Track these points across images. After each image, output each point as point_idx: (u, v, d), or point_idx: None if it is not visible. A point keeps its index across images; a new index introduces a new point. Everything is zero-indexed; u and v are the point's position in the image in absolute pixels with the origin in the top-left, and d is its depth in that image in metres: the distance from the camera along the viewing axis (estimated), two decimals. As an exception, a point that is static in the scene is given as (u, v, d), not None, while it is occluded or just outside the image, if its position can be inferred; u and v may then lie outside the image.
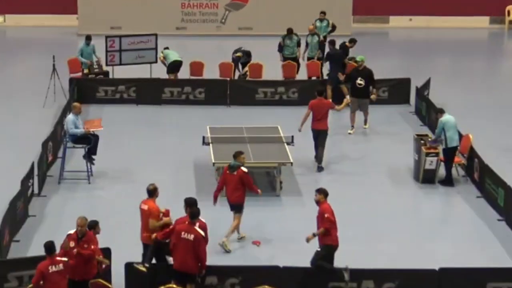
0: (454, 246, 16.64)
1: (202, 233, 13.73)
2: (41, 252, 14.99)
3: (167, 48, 26.83)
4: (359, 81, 22.48)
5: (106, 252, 14.12)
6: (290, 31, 27.13)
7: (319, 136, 20.32)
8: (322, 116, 20.31)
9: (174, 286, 13.41)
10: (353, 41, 26.89)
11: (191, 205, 14.22)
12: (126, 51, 27.47)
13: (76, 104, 19.99)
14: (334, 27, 28.82)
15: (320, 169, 20.07)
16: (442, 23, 37.34)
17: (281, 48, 27.18)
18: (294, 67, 26.86)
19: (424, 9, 37.53)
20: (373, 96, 22.63)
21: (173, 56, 26.41)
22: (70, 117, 19.53)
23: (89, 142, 19.45)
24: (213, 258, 15.11)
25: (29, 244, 16.22)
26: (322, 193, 14.81)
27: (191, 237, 13.66)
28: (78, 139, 19.48)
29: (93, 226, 13.61)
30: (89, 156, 19.49)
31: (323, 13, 29.10)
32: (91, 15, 34.68)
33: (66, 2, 35.97)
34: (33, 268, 14.12)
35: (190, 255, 13.64)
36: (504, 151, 20.87)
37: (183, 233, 13.73)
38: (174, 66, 26.30)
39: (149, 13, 34.57)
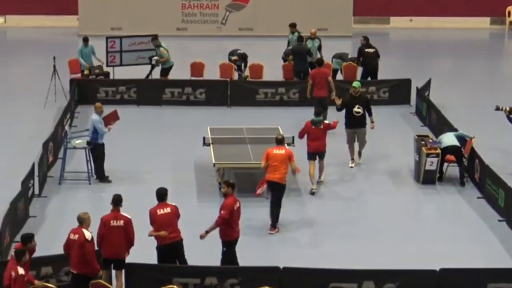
0: (455, 246, 16.65)
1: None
2: (42, 252, 15.09)
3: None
4: (357, 109, 20.37)
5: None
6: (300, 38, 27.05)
7: (321, 102, 22.52)
8: (322, 84, 22.83)
9: (175, 286, 13.44)
10: (365, 39, 27.08)
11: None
12: (126, 52, 27.57)
13: (98, 104, 19.90)
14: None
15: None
16: (442, 24, 37.40)
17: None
18: (291, 68, 26.78)
19: (425, 10, 37.61)
20: (372, 125, 20.77)
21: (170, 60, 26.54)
22: (97, 117, 19.39)
23: (101, 154, 19.47)
24: (213, 258, 15.17)
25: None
26: (230, 186, 14.96)
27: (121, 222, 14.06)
28: (96, 147, 19.41)
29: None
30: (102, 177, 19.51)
31: (293, 26, 28.33)
32: (92, 16, 34.73)
33: (66, 3, 36.02)
34: (33, 268, 14.20)
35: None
36: (505, 152, 20.90)
37: (112, 221, 14.06)
38: (169, 68, 26.43)
39: (150, 14, 34.63)
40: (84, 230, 13.53)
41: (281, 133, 20.24)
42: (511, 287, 14.20)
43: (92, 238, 13.60)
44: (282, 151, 17.44)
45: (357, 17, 36.11)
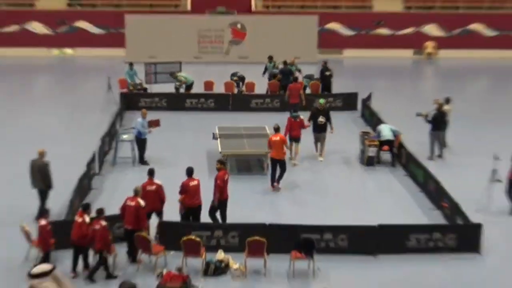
0: (388, 209, 16.73)
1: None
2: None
3: (179, 71, 26.77)
4: (321, 119, 19.98)
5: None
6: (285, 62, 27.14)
7: (295, 107, 23.31)
8: (296, 95, 23.83)
9: (193, 237, 13.50)
10: (325, 63, 27.38)
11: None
12: (159, 73, 27.62)
13: (144, 110, 19.82)
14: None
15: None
16: (379, 54, 37.53)
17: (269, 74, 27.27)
18: (277, 85, 26.86)
19: (366, 44, 37.73)
20: (331, 131, 20.16)
21: (189, 77, 26.47)
22: (140, 120, 19.37)
23: (143, 146, 19.39)
24: (219, 217, 15.18)
25: (92, 208, 16.15)
26: (222, 163, 15.21)
27: (153, 187, 14.44)
28: (139, 140, 19.38)
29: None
30: (143, 162, 19.40)
31: (270, 58, 28.17)
32: (135, 48, 34.73)
33: (117, 39, 36.06)
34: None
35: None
36: (422, 144, 20.99)
37: (147, 186, 14.41)
38: (191, 86, 26.41)
39: (175, 46, 34.62)
40: (139, 199, 13.62)
41: (267, 131, 20.37)
42: (426, 237, 14.27)
43: (145, 205, 13.63)
44: (278, 138, 17.74)
45: (320, 49, 36.18)
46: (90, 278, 13.00)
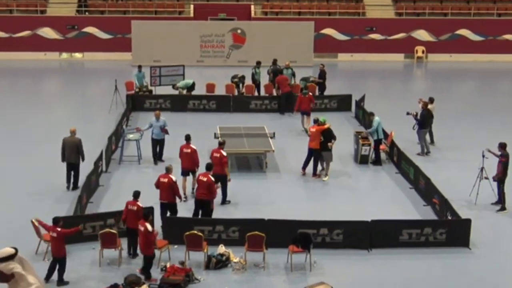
0: (381, 205, 16.59)
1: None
2: (107, 209, 15.02)
3: (177, 82, 26.68)
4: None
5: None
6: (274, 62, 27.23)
7: (287, 98, 24.70)
8: (285, 85, 25.05)
9: (195, 231, 13.36)
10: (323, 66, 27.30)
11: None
12: (164, 76, 27.54)
13: (157, 112, 19.65)
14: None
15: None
16: (372, 58, 37.42)
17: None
18: (271, 86, 26.75)
19: (360, 48, 37.63)
20: (329, 145, 18.17)
21: (188, 82, 26.37)
22: (153, 120, 19.24)
23: (157, 145, 19.25)
24: (221, 211, 15.07)
25: (99, 204, 16.17)
26: (219, 143, 16.38)
27: (189, 150, 16.52)
28: (154, 140, 19.21)
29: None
30: (159, 158, 19.26)
31: (258, 63, 27.69)
32: (140, 52, 34.58)
33: (123, 44, 35.95)
34: (102, 220, 14.14)
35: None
36: (412, 142, 20.91)
37: (184, 149, 16.57)
38: (192, 87, 26.31)
39: (179, 50, 34.44)
40: (171, 176, 14.50)
41: (266, 130, 20.24)
42: (417, 232, 14.16)
43: (176, 180, 14.60)
44: (314, 130, 18.24)
45: (316, 53, 36.06)
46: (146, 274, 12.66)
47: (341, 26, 37.71)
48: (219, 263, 13.21)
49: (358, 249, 13.98)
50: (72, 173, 16.96)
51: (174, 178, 14.51)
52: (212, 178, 14.59)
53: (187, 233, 13.20)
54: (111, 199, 16.39)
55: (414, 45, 37.91)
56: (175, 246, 13.61)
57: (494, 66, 37.24)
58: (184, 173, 16.46)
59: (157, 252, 13.23)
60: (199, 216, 14.59)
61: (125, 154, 19.60)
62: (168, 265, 12.90)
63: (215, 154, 16.07)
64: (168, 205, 14.55)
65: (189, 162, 16.39)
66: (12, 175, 18.16)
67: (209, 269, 13.10)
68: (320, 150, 18.04)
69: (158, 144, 19.33)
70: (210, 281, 12.72)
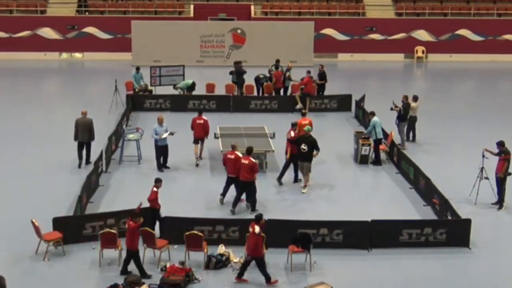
0: (381, 205, 16.58)
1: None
2: (107, 209, 14.99)
3: (177, 83, 26.64)
4: (303, 146, 17.09)
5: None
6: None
7: (280, 91, 26.14)
8: (279, 80, 26.32)
9: (196, 231, 13.35)
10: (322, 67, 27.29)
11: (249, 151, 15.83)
12: (164, 76, 27.52)
13: (160, 116, 19.18)
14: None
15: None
16: (373, 58, 37.43)
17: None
18: (271, 86, 26.73)
19: (360, 49, 37.64)
20: (314, 154, 17.35)
21: (188, 82, 26.37)
22: (156, 126, 18.81)
23: (162, 152, 18.75)
24: (221, 211, 15.05)
25: (99, 204, 16.13)
26: (231, 147, 16.18)
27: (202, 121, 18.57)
28: (158, 147, 18.73)
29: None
30: (164, 165, 18.84)
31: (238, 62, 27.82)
32: (140, 52, 34.58)
33: (123, 44, 35.94)
34: (102, 220, 14.12)
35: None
36: (411, 143, 20.89)
37: (197, 120, 18.61)
38: (192, 87, 26.29)
39: (179, 50, 34.44)
40: (237, 152, 15.62)
41: (266, 131, 20.24)
42: (417, 232, 14.14)
43: (242, 154, 15.46)
44: (307, 121, 18.74)
45: (316, 53, 36.04)
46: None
47: (341, 26, 37.72)
48: (219, 263, 13.20)
49: (358, 249, 13.96)
50: (85, 151, 18.61)
51: (240, 154, 15.51)
52: (254, 160, 15.37)
53: (187, 233, 13.18)
54: (111, 199, 16.37)
55: (414, 45, 37.92)
56: (175, 246, 13.60)
57: (494, 66, 37.26)
58: (196, 141, 18.91)
59: (156, 252, 13.24)
60: (240, 196, 15.69)
61: (125, 154, 19.58)
62: (168, 265, 12.89)
63: (243, 161, 15.47)
64: (234, 179, 15.57)
65: (202, 132, 18.83)
66: (12, 175, 18.14)
67: (209, 269, 13.08)
68: (298, 158, 17.17)
69: (162, 151, 18.86)
70: (210, 281, 12.70)
